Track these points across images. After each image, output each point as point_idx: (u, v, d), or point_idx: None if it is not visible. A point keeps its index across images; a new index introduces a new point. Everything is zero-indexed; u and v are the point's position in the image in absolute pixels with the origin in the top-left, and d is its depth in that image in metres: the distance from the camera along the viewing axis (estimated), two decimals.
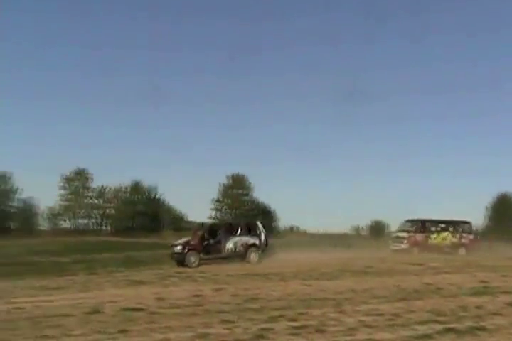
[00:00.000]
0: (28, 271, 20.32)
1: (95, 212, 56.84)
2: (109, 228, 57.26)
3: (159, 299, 12.82)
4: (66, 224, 56.30)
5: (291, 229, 59.13)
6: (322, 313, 10.71)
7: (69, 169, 56.47)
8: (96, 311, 11.07)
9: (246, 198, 58.82)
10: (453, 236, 31.78)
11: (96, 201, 57.20)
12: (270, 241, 25.63)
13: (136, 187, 57.65)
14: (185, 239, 23.19)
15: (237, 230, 24.18)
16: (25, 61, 77.51)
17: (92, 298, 13.22)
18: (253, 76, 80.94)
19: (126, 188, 57.87)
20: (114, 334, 8.84)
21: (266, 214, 57.32)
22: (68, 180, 56.74)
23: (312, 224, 60.71)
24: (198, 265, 21.91)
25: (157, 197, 57.93)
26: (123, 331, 9.05)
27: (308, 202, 63.98)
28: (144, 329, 9.29)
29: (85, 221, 56.69)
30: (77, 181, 57.02)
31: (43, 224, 55.96)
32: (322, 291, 14.19)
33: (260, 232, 24.39)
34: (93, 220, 56.89)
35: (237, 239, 23.72)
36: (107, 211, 57.14)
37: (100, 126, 75.30)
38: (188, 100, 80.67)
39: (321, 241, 34.45)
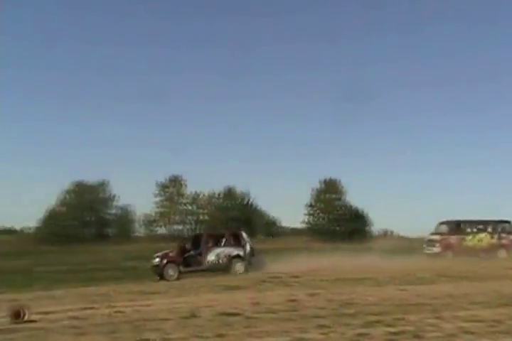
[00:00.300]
0: (126, 276, 21.13)
1: (189, 218, 58.00)
2: None
3: (255, 304, 12.95)
4: (162, 230, 57.82)
5: (385, 233, 58.10)
6: (419, 319, 10.47)
7: (164, 176, 58.21)
8: (193, 315, 11.33)
9: (339, 203, 58.29)
10: (491, 237, 29.84)
11: (190, 207, 58.40)
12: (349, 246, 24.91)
13: (229, 193, 58.52)
14: (165, 251, 22.13)
15: (221, 241, 23.12)
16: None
17: (188, 302, 13.55)
18: None
19: (219, 194, 58.88)
20: (212, 339, 9.02)
21: (359, 219, 56.77)
22: (163, 186, 58.26)
23: (407, 227, 59.40)
24: (178, 278, 20.85)
25: (250, 202, 58.59)
26: (220, 335, 9.21)
27: (402, 205, 63.00)
28: (240, 333, 9.42)
29: (180, 227, 57.97)
30: (172, 188, 58.45)
31: (140, 231, 57.87)
32: (418, 296, 13.89)
33: (245, 242, 23.17)
34: (188, 226, 58.06)
35: (219, 250, 22.61)
36: (201, 217, 58.21)
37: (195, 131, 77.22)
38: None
39: (409, 245, 33.13)
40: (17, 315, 10.82)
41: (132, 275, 21.52)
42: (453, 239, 29.30)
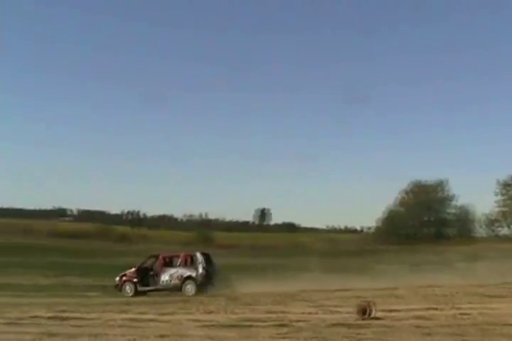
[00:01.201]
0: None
1: None
2: None
3: None
4: (504, 231, 54.77)
5: None
6: None
7: (506, 174, 55.10)
8: None
9: None
10: None
11: None
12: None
13: None
14: (125, 272, 22.93)
15: (176, 262, 23.08)
16: None
17: None
18: None
19: None
20: None
21: None
22: (505, 185, 55.13)
23: None
24: (135, 295, 21.62)
25: None
26: None
27: None
28: None
29: None
30: None
31: (480, 231, 55.66)
32: None
33: (198, 264, 22.43)
34: None
35: (173, 271, 22.57)
36: None
37: None
38: None
39: None
40: (363, 312, 11.28)
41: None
42: None
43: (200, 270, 22.64)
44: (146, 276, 23.25)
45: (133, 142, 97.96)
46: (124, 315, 12.45)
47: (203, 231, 65.42)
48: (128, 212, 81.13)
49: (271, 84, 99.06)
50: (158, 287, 22.88)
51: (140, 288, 22.82)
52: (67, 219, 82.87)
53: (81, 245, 52.67)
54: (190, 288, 22.34)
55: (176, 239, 61.54)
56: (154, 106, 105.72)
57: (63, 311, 13.45)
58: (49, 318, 12.07)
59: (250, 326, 10.27)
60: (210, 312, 12.58)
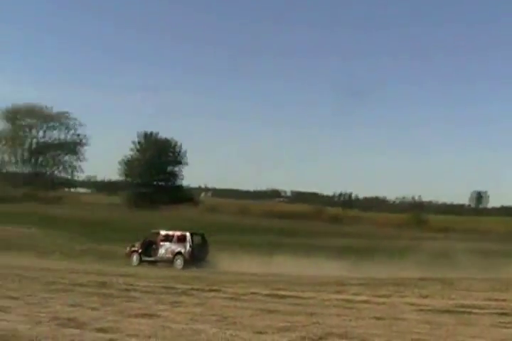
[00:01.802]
0: None
1: None
2: None
3: None
4: None
5: None
6: None
7: None
8: None
9: None
10: None
11: None
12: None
13: None
14: (133, 243, 28.19)
15: (172, 239, 27.59)
16: None
17: None
18: None
19: None
20: None
21: None
22: None
23: None
24: (140, 264, 27.20)
25: None
26: None
27: None
28: None
29: None
30: None
31: None
32: None
33: (187, 243, 26.94)
34: None
35: (168, 246, 27.23)
36: None
37: None
38: None
39: None
40: None
41: None
42: None
43: (188, 247, 26.85)
44: (149, 249, 27.91)
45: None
46: (338, 296, 12.70)
47: (417, 213, 64.04)
48: (340, 194, 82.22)
49: None
50: (157, 258, 27.50)
51: (144, 258, 27.65)
52: (281, 200, 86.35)
53: (296, 225, 54.45)
54: (179, 262, 26.70)
55: (388, 221, 61.18)
56: None
57: (279, 289, 14.08)
58: (266, 295, 12.72)
59: (469, 312, 9.90)
60: (426, 297, 12.33)
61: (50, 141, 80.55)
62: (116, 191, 76.31)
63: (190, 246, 27.01)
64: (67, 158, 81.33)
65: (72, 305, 10.31)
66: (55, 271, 20.41)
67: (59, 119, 79.84)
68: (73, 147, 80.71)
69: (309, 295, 12.95)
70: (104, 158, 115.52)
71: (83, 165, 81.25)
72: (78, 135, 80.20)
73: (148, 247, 28.07)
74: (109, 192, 79.97)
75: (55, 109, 78.92)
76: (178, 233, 27.91)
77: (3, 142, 78.04)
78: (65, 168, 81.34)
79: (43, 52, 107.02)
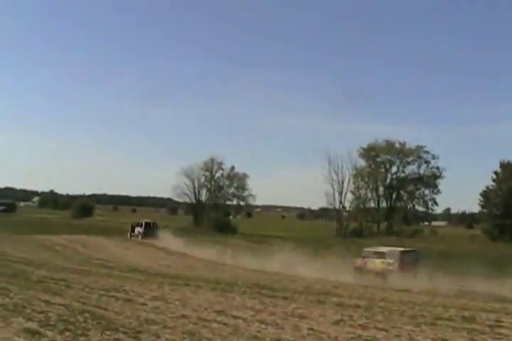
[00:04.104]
0: None
1: None
2: None
3: None
4: None
5: None
6: None
7: None
8: None
9: None
10: None
11: None
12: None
13: None
14: (137, 228, 51.25)
15: (140, 225, 51.60)
16: None
17: None
18: None
19: None
20: None
21: None
22: None
23: None
24: (130, 238, 50.26)
25: None
26: None
27: None
28: None
29: None
30: None
31: None
32: None
33: (140, 227, 51.22)
34: None
35: (138, 228, 51.14)
36: None
37: None
38: None
39: None
40: None
41: None
42: None
43: (141, 230, 50.45)
44: (133, 230, 51.05)
45: None
46: None
47: None
48: None
49: None
50: (135, 235, 50.31)
51: (131, 234, 50.64)
52: None
53: None
54: (139, 237, 49.35)
55: None
56: None
57: None
58: None
59: None
60: None
61: (404, 176, 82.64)
62: (472, 223, 74.04)
63: (142, 229, 51.13)
64: (423, 191, 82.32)
65: None
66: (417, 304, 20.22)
67: (415, 154, 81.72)
68: (430, 180, 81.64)
69: None
70: (457, 189, 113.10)
71: (437, 197, 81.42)
72: (437, 168, 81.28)
73: (133, 229, 52.50)
74: (467, 224, 78.13)
75: (408, 145, 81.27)
76: (142, 221, 53.33)
77: (364, 179, 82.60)
78: (423, 202, 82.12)
79: None
